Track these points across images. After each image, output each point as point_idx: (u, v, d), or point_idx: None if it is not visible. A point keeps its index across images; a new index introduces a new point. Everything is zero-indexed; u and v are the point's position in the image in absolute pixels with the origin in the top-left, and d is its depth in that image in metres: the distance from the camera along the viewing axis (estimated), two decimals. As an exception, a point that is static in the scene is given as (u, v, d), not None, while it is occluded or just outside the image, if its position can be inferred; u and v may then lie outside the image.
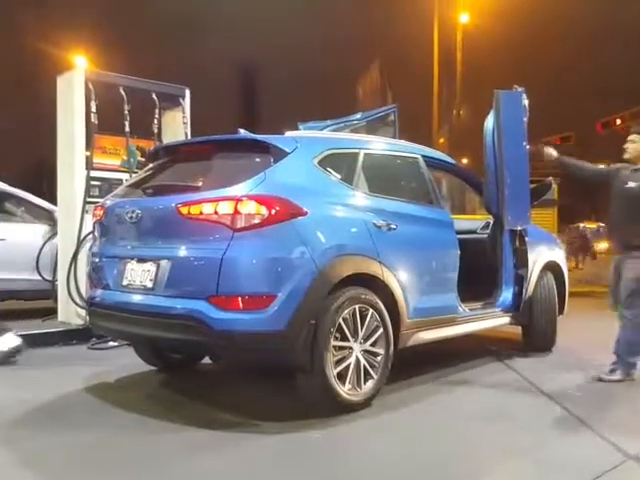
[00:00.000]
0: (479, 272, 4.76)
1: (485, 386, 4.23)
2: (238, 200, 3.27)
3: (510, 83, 4.85)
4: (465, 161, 20.40)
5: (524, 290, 4.94)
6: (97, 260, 3.92)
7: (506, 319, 4.98)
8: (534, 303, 5.04)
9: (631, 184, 4.28)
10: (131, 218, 3.62)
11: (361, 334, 3.59)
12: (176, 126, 6.50)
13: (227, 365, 4.72)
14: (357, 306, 3.57)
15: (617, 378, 4.23)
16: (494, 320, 4.89)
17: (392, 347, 3.75)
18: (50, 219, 6.64)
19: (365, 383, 3.60)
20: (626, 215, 4.29)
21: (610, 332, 4.40)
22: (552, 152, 4.69)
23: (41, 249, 6.35)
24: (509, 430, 3.34)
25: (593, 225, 21.91)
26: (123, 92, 5.96)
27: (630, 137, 4.40)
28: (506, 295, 4.90)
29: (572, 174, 4.74)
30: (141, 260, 3.59)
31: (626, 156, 4.41)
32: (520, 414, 3.61)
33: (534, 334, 5.14)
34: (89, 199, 5.66)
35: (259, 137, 3.71)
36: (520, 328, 5.30)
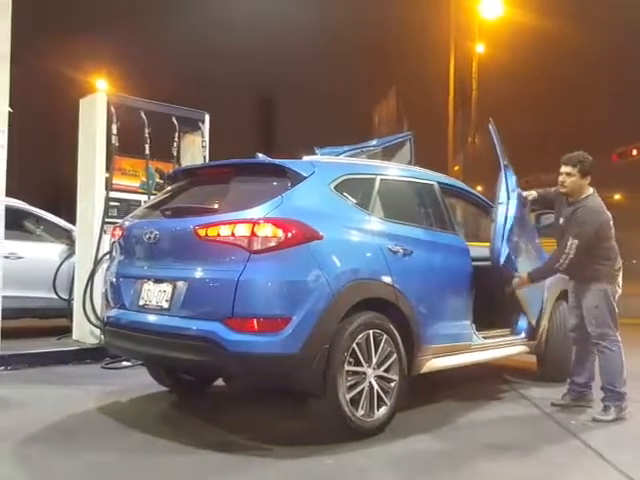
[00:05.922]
0: (494, 300, 4.73)
1: (500, 415, 4.17)
2: (255, 223, 3.30)
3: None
4: (480, 188, 20.37)
5: (540, 319, 4.90)
6: (114, 280, 3.95)
7: (521, 348, 4.93)
8: (549, 332, 4.99)
9: (562, 220, 4.18)
10: (149, 239, 3.65)
11: (375, 359, 3.58)
12: (195, 149, 6.60)
13: (240, 387, 4.70)
14: (371, 331, 3.56)
15: (611, 418, 3.99)
16: (509, 349, 4.84)
17: (406, 373, 3.73)
18: (68, 238, 6.72)
19: (378, 409, 3.57)
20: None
21: (629, 361, 4.33)
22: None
23: (58, 268, 6.41)
24: (523, 461, 3.30)
25: None
26: (144, 115, 6.07)
27: (563, 169, 4.10)
28: (521, 324, 4.87)
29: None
30: (158, 281, 3.62)
31: (563, 190, 4.15)
32: (535, 445, 3.56)
33: (549, 364, 5.08)
34: (107, 219, 5.74)
35: (277, 161, 3.76)
36: (535, 357, 5.24)
